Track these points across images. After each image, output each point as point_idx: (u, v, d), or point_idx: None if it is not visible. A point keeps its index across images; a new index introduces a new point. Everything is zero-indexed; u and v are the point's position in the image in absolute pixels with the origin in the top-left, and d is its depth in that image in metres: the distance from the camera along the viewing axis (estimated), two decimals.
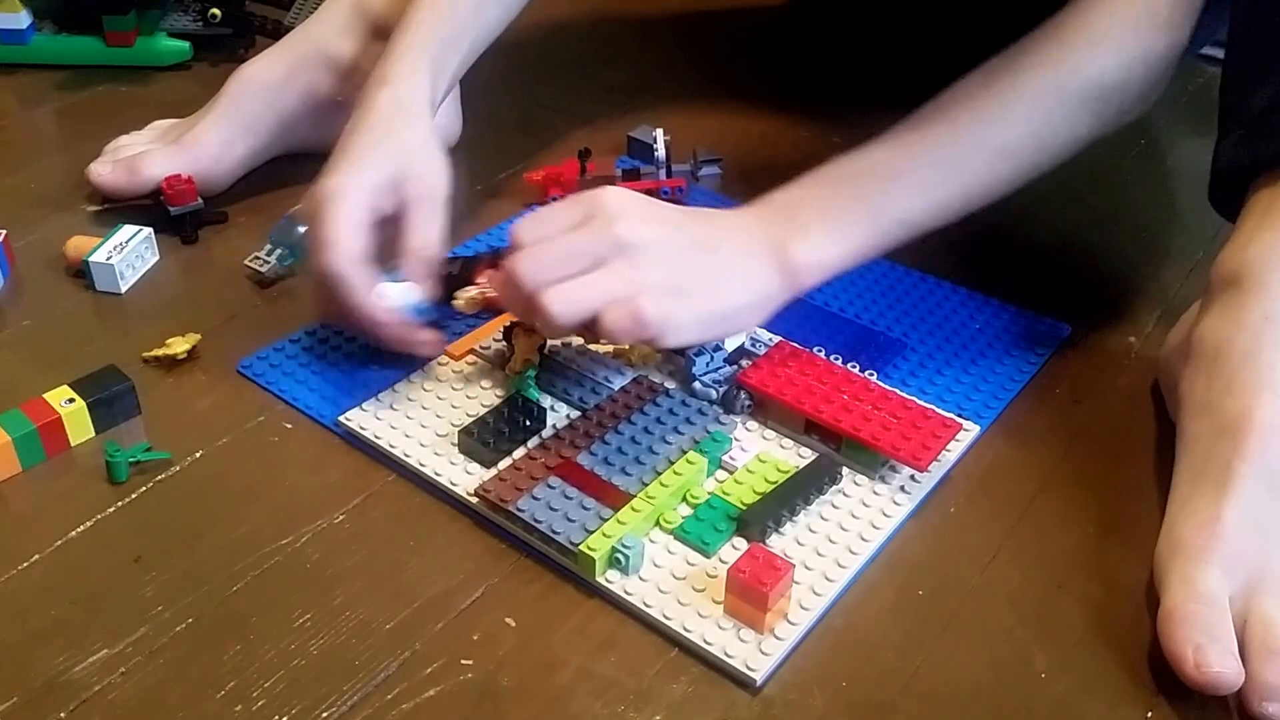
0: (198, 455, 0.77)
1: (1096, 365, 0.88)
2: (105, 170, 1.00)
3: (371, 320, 0.80)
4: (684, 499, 0.73)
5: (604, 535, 0.69)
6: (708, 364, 0.80)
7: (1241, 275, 0.73)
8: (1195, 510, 0.68)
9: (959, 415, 0.80)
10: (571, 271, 0.72)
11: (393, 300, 0.80)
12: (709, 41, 1.42)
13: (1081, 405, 0.84)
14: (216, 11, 1.28)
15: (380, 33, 1.04)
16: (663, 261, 0.74)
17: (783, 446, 0.78)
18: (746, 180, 1.09)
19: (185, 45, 1.28)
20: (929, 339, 0.89)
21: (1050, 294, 0.95)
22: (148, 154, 1.00)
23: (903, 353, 0.87)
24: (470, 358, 0.85)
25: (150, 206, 1.00)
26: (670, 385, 0.82)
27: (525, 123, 1.20)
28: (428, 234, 0.82)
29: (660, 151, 1.03)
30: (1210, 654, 0.62)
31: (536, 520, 0.70)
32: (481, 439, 0.75)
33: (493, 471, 0.74)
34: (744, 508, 0.72)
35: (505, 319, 0.87)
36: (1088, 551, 0.73)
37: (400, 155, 0.83)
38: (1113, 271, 1.00)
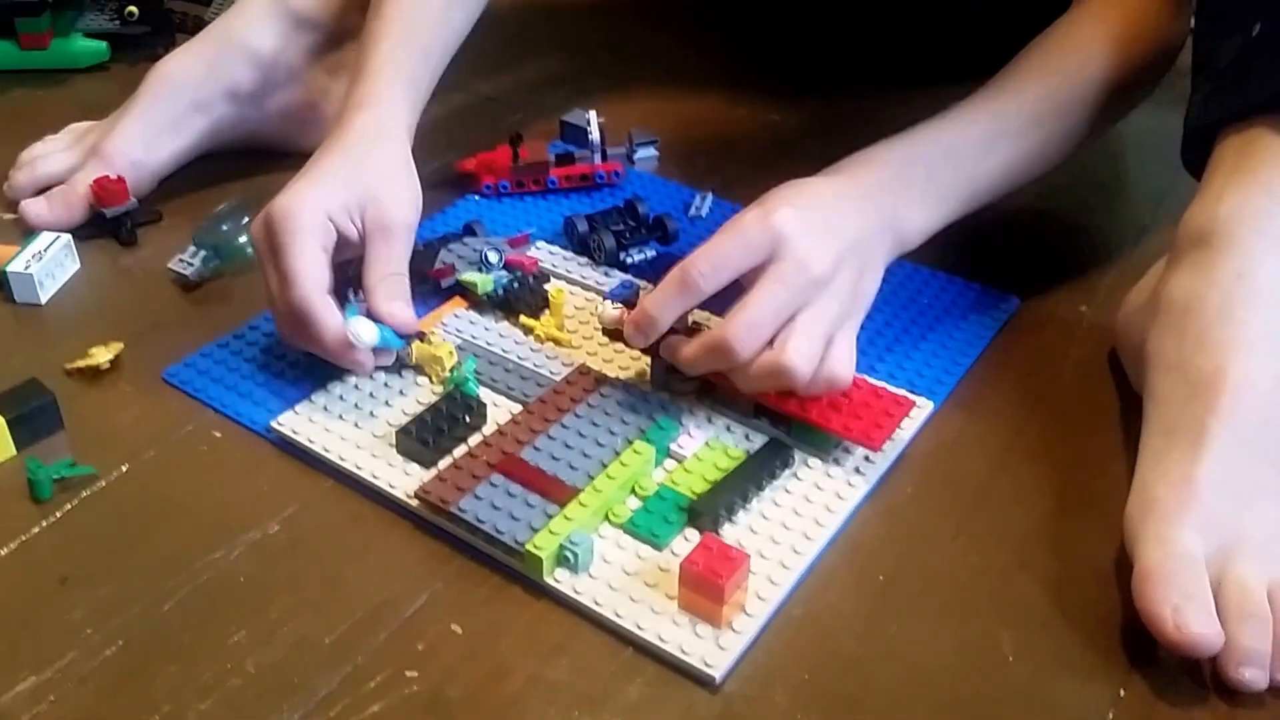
0: (124, 469, 0.74)
1: (1049, 336, 0.87)
2: (41, 209, 0.96)
3: (342, 353, 0.77)
4: (632, 491, 0.71)
5: (550, 533, 0.66)
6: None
7: (1211, 232, 0.72)
8: (1168, 470, 0.67)
9: (911, 392, 0.78)
10: (781, 321, 0.71)
11: (364, 340, 0.76)
12: (639, 24, 1.39)
13: (1036, 377, 0.82)
14: (134, 9, 1.24)
15: (302, 24, 1.01)
16: (843, 287, 0.73)
17: (730, 431, 0.76)
18: (684, 161, 1.07)
19: (103, 45, 1.24)
20: (876, 315, 0.86)
21: (998, 266, 0.93)
22: (75, 181, 0.97)
23: None
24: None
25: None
26: (611, 374, 0.79)
27: (457, 110, 1.17)
28: (386, 265, 0.78)
29: (594, 135, 1.00)
30: (1189, 614, 0.60)
31: (479, 521, 0.67)
32: (420, 438, 0.72)
33: (433, 472, 0.72)
34: (695, 497, 0.70)
35: (441, 315, 0.84)
36: (1049, 527, 0.71)
37: (366, 180, 0.79)
38: (1061, 241, 0.98)
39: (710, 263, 0.71)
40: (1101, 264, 0.95)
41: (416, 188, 0.82)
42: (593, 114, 1.01)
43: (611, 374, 0.79)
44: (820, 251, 0.71)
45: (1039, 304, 0.90)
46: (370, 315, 0.77)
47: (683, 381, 0.77)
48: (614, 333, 0.77)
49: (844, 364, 0.72)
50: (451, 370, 0.78)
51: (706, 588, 0.62)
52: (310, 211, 0.76)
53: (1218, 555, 0.63)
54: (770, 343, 0.71)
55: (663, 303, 0.72)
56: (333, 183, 0.78)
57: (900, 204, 0.78)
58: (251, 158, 1.05)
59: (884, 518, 0.72)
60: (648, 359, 0.78)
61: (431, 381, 0.79)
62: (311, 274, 0.75)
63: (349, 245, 0.79)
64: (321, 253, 0.76)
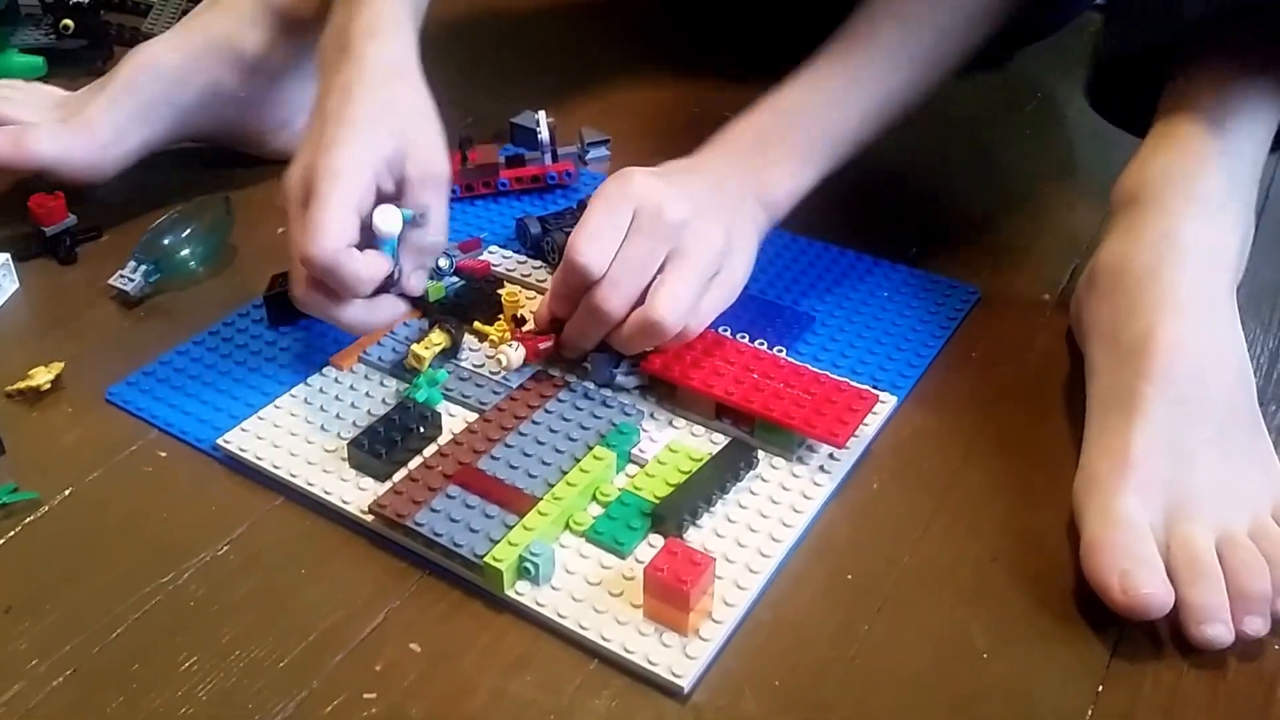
0: (67, 493, 0.72)
1: (1012, 325, 0.85)
2: None
3: (369, 313, 0.74)
4: (594, 498, 0.69)
5: (510, 544, 0.64)
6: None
7: (1140, 193, 0.71)
8: (1108, 442, 0.67)
9: (874, 387, 0.77)
10: (649, 280, 0.72)
11: (384, 229, 0.73)
12: (586, 23, 1.37)
13: (1000, 367, 0.81)
14: (69, 23, 1.21)
15: (289, 25, 0.98)
16: (701, 239, 0.73)
17: (694, 434, 0.74)
18: (637, 160, 1.04)
19: (39, 60, 1.21)
20: (838, 311, 0.86)
21: (958, 257, 0.92)
22: (35, 128, 0.93)
23: (811, 327, 0.84)
24: (357, 366, 0.79)
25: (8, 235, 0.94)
26: (570, 379, 0.77)
27: None
28: (440, 214, 0.76)
29: (544, 135, 0.98)
30: (1137, 577, 0.60)
31: (436, 534, 0.65)
32: (372, 450, 0.70)
33: (387, 485, 0.70)
34: (657, 502, 0.68)
35: (391, 325, 0.82)
36: (1019, 519, 0.70)
37: (403, 127, 0.75)
38: (1021, 230, 0.97)
39: (586, 238, 0.71)
40: (1063, 252, 0.93)
41: (443, 132, 0.78)
42: (542, 114, 0.99)
43: (570, 379, 0.77)
44: (675, 201, 0.72)
45: (1001, 294, 0.88)
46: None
47: (626, 374, 0.76)
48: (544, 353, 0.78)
49: (706, 316, 0.74)
50: (422, 374, 0.76)
51: (672, 595, 0.61)
52: (356, 168, 0.72)
53: (1163, 519, 0.63)
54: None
55: (558, 295, 0.74)
56: (374, 135, 0.74)
57: (761, 170, 0.79)
58: (193, 169, 1.03)
59: (851, 516, 0.70)
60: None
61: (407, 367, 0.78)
62: (344, 229, 0.71)
63: (388, 196, 0.75)
64: (355, 212, 0.72)
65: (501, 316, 0.82)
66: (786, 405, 0.72)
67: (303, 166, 0.73)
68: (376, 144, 0.73)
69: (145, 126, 0.96)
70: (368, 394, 0.77)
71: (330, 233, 0.70)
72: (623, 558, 0.66)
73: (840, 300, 0.87)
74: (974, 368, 0.81)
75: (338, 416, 0.75)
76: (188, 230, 0.89)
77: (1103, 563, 0.62)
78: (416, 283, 0.77)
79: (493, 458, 0.70)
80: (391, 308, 0.76)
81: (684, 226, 0.72)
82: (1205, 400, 0.66)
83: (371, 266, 0.72)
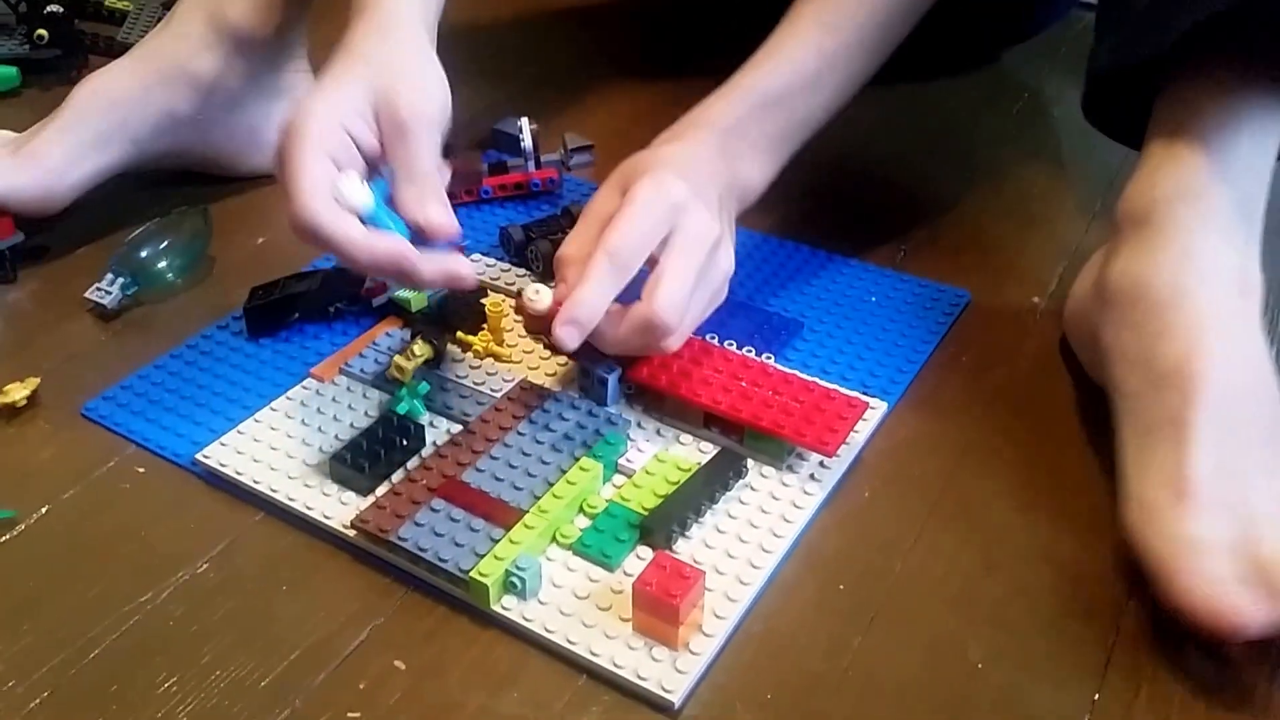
0: (44, 511, 0.70)
1: (1001, 329, 0.84)
2: None
3: (370, 260, 0.69)
4: (581, 509, 0.68)
5: (496, 558, 0.63)
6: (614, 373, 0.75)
7: (1151, 212, 0.70)
8: (1158, 470, 0.64)
9: (864, 393, 0.76)
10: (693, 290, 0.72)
11: (351, 201, 0.69)
12: (567, 28, 1.36)
13: (991, 372, 0.80)
14: (43, 32, 1.20)
15: (241, 46, 0.96)
16: (697, 230, 0.72)
17: (681, 443, 0.73)
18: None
19: (13, 71, 1.20)
20: (827, 317, 0.85)
21: (946, 261, 0.91)
22: None
23: (800, 333, 0.83)
24: (339, 378, 0.78)
25: None
26: (556, 389, 0.76)
27: None
28: (409, 166, 0.71)
29: (526, 142, 0.97)
30: (1230, 599, 0.58)
31: (420, 549, 0.64)
32: (354, 465, 0.69)
33: (370, 499, 0.68)
34: (645, 513, 0.67)
35: (374, 335, 0.81)
36: (1013, 527, 0.69)
37: (383, 71, 0.72)
38: (1009, 232, 0.96)
39: (627, 243, 0.70)
40: (1052, 253, 0.93)
41: (439, 77, 0.75)
42: (524, 120, 0.98)
43: (555, 389, 0.76)
44: (709, 217, 0.73)
45: (990, 297, 0.87)
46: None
47: (621, 389, 0.75)
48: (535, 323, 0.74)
49: (699, 314, 0.75)
50: (405, 386, 0.75)
51: (661, 609, 0.59)
52: (317, 119, 0.69)
53: (1240, 539, 0.61)
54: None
55: (598, 290, 0.69)
56: (342, 86, 0.71)
57: (737, 162, 0.79)
58: (171, 181, 1.02)
59: (843, 525, 0.69)
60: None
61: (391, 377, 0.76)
62: (317, 184, 0.68)
63: (371, 152, 0.72)
64: (329, 163, 0.69)
65: (485, 326, 0.80)
66: (775, 413, 0.70)
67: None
68: (342, 97, 0.71)
69: (99, 154, 0.94)
70: (349, 406, 0.76)
71: (302, 187, 0.67)
72: (611, 570, 0.65)
73: (829, 305, 0.86)
74: (965, 372, 0.80)
75: (319, 430, 0.74)
76: (165, 242, 0.88)
77: (1187, 589, 0.59)
78: (436, 216, 0.71)
79: (477, 470, 0.69)
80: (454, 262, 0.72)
81: (719, 245, 0.73)
82: (1251, 419, 0.65)
83: (367, 234, 0.69)
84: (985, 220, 0.97)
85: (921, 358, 0.81)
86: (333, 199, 0.68)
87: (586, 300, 0.68)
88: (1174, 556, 0.61)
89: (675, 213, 0.71)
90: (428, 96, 0.73)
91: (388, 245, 0.69)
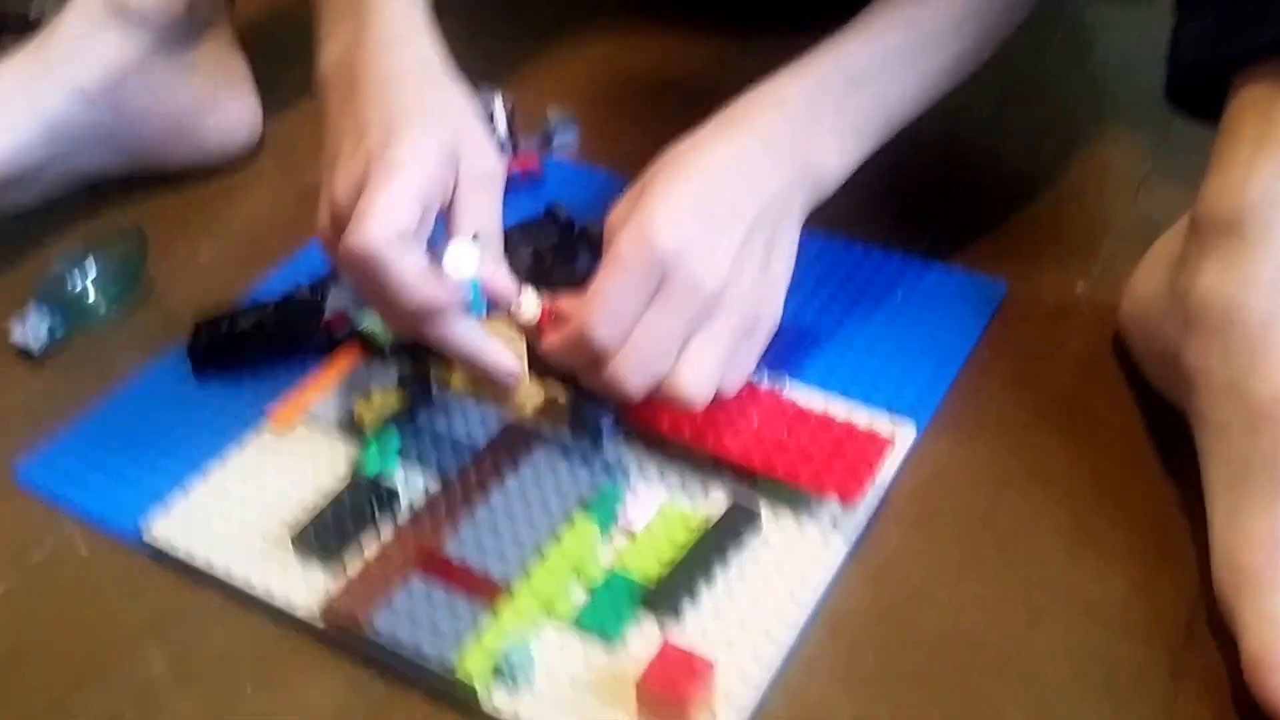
0: None
1: (1041, 325, 0.76)
2: None
3: (422, 305, 0.62)
4: (576, 577, 0.61)
5: (482, 646, 0.56)
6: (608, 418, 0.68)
7: (1243, 221, 0.60)
8: (1251, 527, 0.57)
9: (890, 413, 0.68)
10: (676, 351, 0.62)
11: (464, 269, 0.62)
12: None
13: (1031, 381, 0.72)
14: None
15: (148, 22, 0.88)
16: (745, 290, 0.64)
17: (685, 490, 0.65)
18: (609, 138, 0.95)
19: None
20: (845, 321, 0.76)
21: (978, 243, 0.82)
22: None
23: (814, 343, 0.75)
24: (299, 429, 0.71)
25: None
26: (546, 426, 0.69)
27: None
28: (483, 216, 0.66)
29: (500, 127, 0.87)
30: None
31: (399, 645, 0.57)
32: (320, 544, 0.62)
33: (340, 579, 0.61)
34: (650, 584, 0.60)
35: (332, 375, 0.73)
36: (1060, 571, 0.61)
37: (454, 124, 0.66)
38: (1044, 201, 0.86)
39: (605, 322, 0.60)
40: (1096, 230, 0.83)
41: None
42: (499, 98, 0.88)
43: (544, 428, 0.68)
44: (711, 262, 0.62)
45: (1027, 286, 0.78)
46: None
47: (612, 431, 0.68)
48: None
49: (736, 383, 0.66)
50: (372, 441, 0.67)
51: (669, 710, 0.53)
52: (419, 159, 0.63)
53: None
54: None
55: (562, 351, 0.63)
56: (431, 129, 0.64)
57: (811, 149, 0.68)
58: (95, 189, 0.92)
59: (870, 581, 0.62)
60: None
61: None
62: (399, 215, 0.61)
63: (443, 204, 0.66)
64: (411, 199, 0.62)
65: None
66: (791, 458, 0.63)
67: (345, 183, 0.64)
68: (436, 138, 0.64)
69: (11, 132, 0.86)
70: (312, 460, 0.68)
71: (380, 219, 0.60)
72: (612, 643, 0.58)
73: (847, 307, 0.77)
74: (1000, 382, 0.72)
75: (279, 493, 0.66)
76: (95, 271, 0.80)
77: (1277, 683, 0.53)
78: (505, 284, 0.65)
79: (459, 538, 0.62)
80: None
81: (723, 293, 0.62)
82: None
83: (430, 281, 0.62)
84: (1015, 187, 0.87)
85: (954, 367, 0.73)
86: (404, 239, 0.61)
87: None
88: (1268, 642, 0.53)
89: (662, 266, 0.61)
90: (495, 153, 0.68)
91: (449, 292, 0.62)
